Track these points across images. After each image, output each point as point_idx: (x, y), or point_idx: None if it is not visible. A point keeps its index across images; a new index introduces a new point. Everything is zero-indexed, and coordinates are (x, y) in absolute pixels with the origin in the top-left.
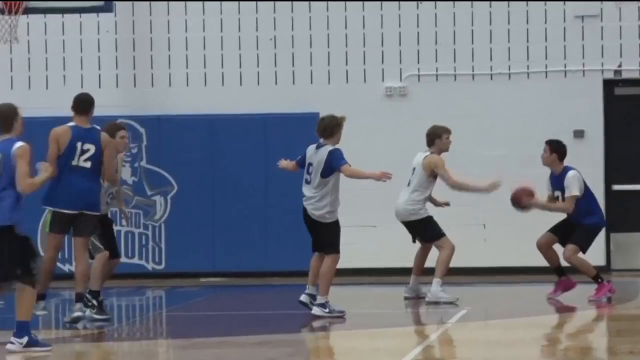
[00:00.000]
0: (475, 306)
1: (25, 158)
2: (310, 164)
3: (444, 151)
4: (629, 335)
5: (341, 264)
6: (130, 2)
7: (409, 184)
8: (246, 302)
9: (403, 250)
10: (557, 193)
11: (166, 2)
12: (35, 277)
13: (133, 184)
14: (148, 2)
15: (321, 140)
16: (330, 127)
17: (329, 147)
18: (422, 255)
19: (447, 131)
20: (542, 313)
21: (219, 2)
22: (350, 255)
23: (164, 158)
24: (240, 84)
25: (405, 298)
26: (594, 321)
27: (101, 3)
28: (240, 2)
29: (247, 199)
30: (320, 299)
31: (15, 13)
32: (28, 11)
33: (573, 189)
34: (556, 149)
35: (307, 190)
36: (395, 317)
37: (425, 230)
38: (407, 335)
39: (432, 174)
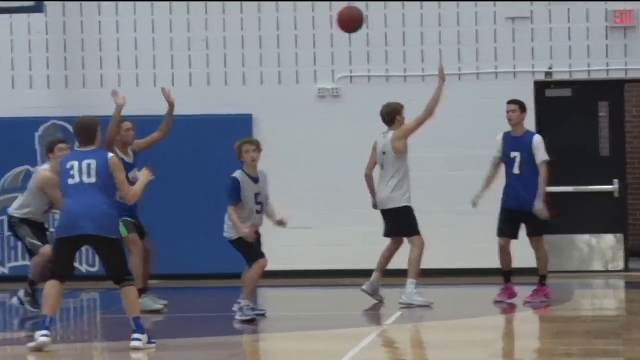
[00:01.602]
0: (412, 308)
1: (121, 169)
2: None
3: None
4: (565, 337)
5: (275, 266)
6: (61, 3)
7: (382, 174)
8: (179, 303)
9: (334, 252)
10: (515, 154)
11: (97, 2)
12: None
13: None
14: (79, 3)
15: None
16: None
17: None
18: (390, 251)
19: (402, 106)
20: (481, 315)
21: (149, 3)
22: (285, 257)
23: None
24: (172, 84)
25: (363, 291)
26: (530, 323)
27: (31, 3)
28: (172, 2)
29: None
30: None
31: None
32: None
33: (543, 154)
34: (524, 108)
35: None
36: (331, 319)
37: (400, 221)
38: (343, 337)
39: (404, 149)
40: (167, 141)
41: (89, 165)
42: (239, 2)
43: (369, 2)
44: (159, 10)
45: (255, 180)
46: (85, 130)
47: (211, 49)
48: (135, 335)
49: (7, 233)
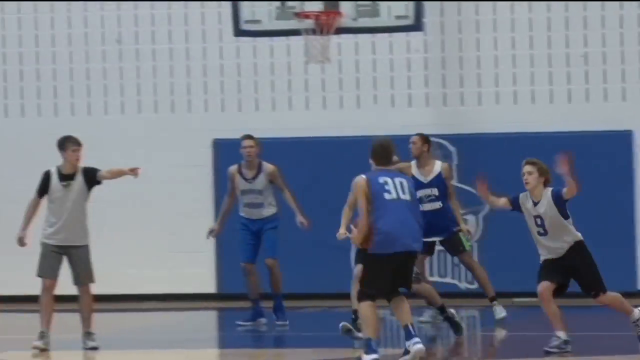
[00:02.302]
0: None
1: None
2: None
3: None
4: None
5: None
6: (439, 21)
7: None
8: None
9: None
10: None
11: (474, 19)
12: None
13: None
14: (456, 20)
15: None
16: None
17: None
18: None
19: None
20: None
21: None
22: None
23: (475, 177)
24: (550, 102)
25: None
26: None
27: (411, 22)
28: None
29: None
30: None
31: (327, 33)
32: (339, 31)
33: None
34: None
35: None
36: None
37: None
38: None
39: None
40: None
41: (401, 183)
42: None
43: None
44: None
45: None
46: (385, 151)
47: (591, 65)
48: None
49: None
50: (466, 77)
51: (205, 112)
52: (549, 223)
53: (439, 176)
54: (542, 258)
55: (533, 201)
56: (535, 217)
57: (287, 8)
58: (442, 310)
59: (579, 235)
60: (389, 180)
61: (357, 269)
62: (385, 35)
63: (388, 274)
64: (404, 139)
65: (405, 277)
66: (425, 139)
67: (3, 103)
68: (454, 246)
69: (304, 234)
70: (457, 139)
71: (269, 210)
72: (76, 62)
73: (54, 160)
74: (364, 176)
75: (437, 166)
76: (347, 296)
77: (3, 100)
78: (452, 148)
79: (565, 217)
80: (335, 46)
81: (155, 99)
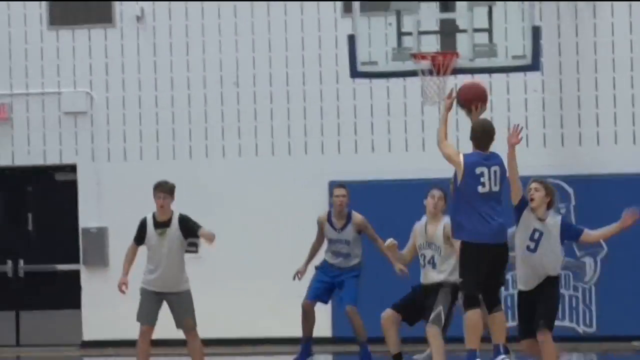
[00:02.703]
0: None
1: None
2: None
3: None
4: None
5: None
6: (558, 60)
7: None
8: None
9: None
10: None
11: (593, 58)
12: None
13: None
14: (575, 60)
15: None
16: None
17: None
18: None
19: None
20: None
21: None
22: None
23: (592, 218)
24: None
25: None
26: None
27: (528, 62)
28: None
29: None
30: None
31: (444, 74)
32: (456, 72)
33: None
34: None
35: None
36: None
37: None
38: None
39: None
40: None
41: (495, 172)
42: None
43: None
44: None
45: None
46: (488, 133)
47: None
48: None
49: None
50: (584, 117)
51: (321, 155)
52: (545, 243)
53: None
54: (518, 289)
55: (537, 217)
56: (535, 230)
57: (403, 49)
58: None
59: (559, 270)
60: (485, 170)
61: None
62: (503, 75)
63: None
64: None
65: None
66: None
67: (138, 146)
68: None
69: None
70: (574, 180)
71: (353, 261)
72: (194, 105)
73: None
74: None
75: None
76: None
77: (138, 143)
78: (569, 189)
79: (560, 246)
80: (452, 87)
81: (272, 140)
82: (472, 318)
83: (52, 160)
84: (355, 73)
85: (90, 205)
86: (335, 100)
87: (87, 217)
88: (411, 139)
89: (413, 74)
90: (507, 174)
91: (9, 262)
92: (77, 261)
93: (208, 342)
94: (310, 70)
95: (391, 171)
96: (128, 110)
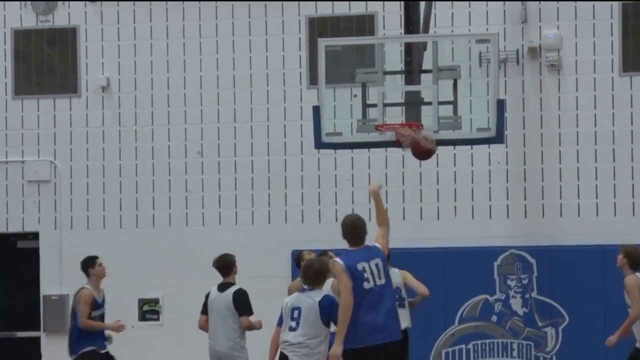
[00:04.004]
0: None
1: None
2: None
3: None
4: None
5: None
6: (522, 133)
7: None
8: None
9: None
10: None
11: (558, 131)
12: None
13: (524, 315)
14: (540, 133)
15: None
16: None
17: None
18: None
19: None
20: None
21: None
22: None
23: (554, 289)
24: (633, 215)
25: None
26: None
27: (492, 134)
28: None
29: None
30: None
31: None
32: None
33: None
34: None
35: None
36: None
37: None
38: None
39: None
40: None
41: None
42: None
43: None
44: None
45: None
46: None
47: None
48: None
49: None
50: (547, 189)
51: (285, 224)
52: None
53: None
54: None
55: None
56: None
57: (368, 121)
58: None
59: None
60: (365, 265)
61: None
62: (467, 147)
63: None
64: (484, 251)
65: None
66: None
67: (101, 215)
68: None
69: None
70: (537, 251)
71: None
72: (158, 174)
73: None
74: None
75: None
76: None
77: (102, 212)
78: (532, 260)
79: None
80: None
81: (236, 210)
82: None
83: (15, 227)
84: (319, 144)
85: (51, 273)
86: (299, 170)
87: (49, 284)
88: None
89: (378, 145)
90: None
91: None
92: (37, 328)
93: None
94: (274, 140)
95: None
96: (92, 179)
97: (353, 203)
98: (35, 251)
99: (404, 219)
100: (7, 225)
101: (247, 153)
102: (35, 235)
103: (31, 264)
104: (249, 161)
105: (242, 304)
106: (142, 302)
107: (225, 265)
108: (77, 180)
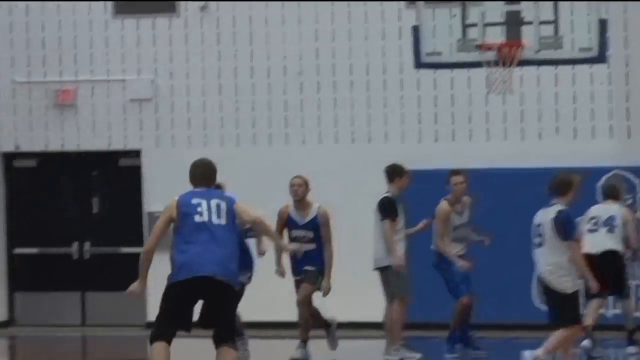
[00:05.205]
0: None
1: None
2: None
3: None
4: None
5: None
6: (625, 53)
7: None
8: None
9: None
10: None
11: None
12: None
13: None
14: None
15: None
16: None
17: None
18: None
19: None
20: None
21: None
22: None
23: None
24: None
25: None
26: None
27: (595, 54)
28: None
29: None
30: None
31: (509, 65)
32: (522, 63)
33: None
34: None
35: None
36: None
37: None
38: None
39: None
40: None
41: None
42: None
43: None
44: None
45: None
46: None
47: None
48: None
49: None
50: None
51: (384, 144)
52: None
53: (314, 219)
54: None
55: None
56: None
57: (468, 40)
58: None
59: None
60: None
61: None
62: (569, 67)
63: None
64: (594, 171)
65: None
66: (306, 181)
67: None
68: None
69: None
70: None
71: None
72: (258, 93)
73: None
74: None
75: (314, 209)
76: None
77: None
78: (635, 180)
79: None
80: (517, 78)
81: (336, 130)
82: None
83: (117, 145)
84: (419, 64)
85: (154, 190)
86: (399, 90)
87: (151, 201)
88: (475, 130)
89: (478, 65)
90: None
91: (75, 244)
92: (140, 244)
93: None
94: (374, 61)
95: (456, 160)
96: (192, 98)
97: (453, 123)
98: (138, 169)
99: (505, 138)
100: (110, 143)
101: (346, 72)
102: (137, 153)
103: (133, 181)
104: (348, 81)
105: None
106: None
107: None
108: (177, 98)
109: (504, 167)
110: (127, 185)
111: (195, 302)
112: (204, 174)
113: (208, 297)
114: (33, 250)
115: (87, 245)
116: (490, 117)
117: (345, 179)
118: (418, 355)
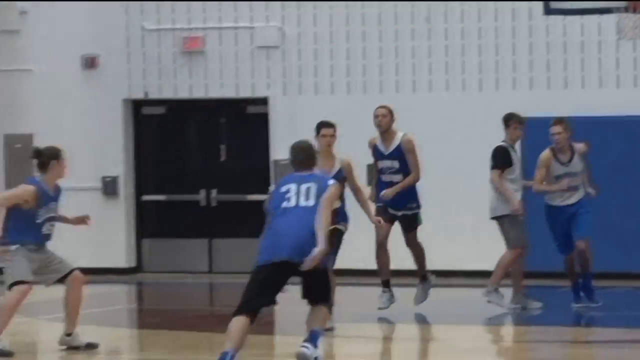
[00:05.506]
0: None
1: None
2: None
3: None
4: None
5: None
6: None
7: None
8: None
9: None
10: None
11: None
12: None
13: None
14: None
15: None
16: None
17: None
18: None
19: None
20: None
21: None
22: None
23: None
24: None
25: None
26: None
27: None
28: None
29: None
30: None
31: None
32: None
33: None
34: None
35: None
36: None
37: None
38: None
39: None
40: None
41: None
42: None
43: None
44: None
45: None
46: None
47: None
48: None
49: None
50: None
51: (513, 90)
52: None
53: (398, 147)
54: None
55: None
56: None
57: None
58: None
59: None
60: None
61: None
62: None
63: None
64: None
65: None
66: (391, 111)
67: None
68: (410, 223)
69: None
70: None
71: (582, 193)
72: (385, 40)
73: None
74: None
75: (398, 138)
76: None
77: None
78: None
79: None
80: None
81: (463, 77)
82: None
83: (244, 93)
84: (548, 10)
85: (281, 138)
86: (528, 37)
87: (278, 149)
88: (605, 76)
89: (608, 11)
90: None
91: (202, 192)
92: (267, 192)
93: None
94: (502, 7)
95: (584, 107)
96: (319, 45)
97: (582, 70)
98: (265, 116)
99: (635, 85)
100: (237, 90)
101: (474, 19)
102: (264, 101)
103: (260, 129)
104: (476, 28)
105: None
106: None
107: None
108: (304, 46)
109: (636, 114)
110: (254, 133)
111: (278, 282)
112: (303, 161)
113: (296, 275)
114: (161, 197)
115: (214, 193)
116: (621, 64)
117: (469, 127)
118: (539, 304)
